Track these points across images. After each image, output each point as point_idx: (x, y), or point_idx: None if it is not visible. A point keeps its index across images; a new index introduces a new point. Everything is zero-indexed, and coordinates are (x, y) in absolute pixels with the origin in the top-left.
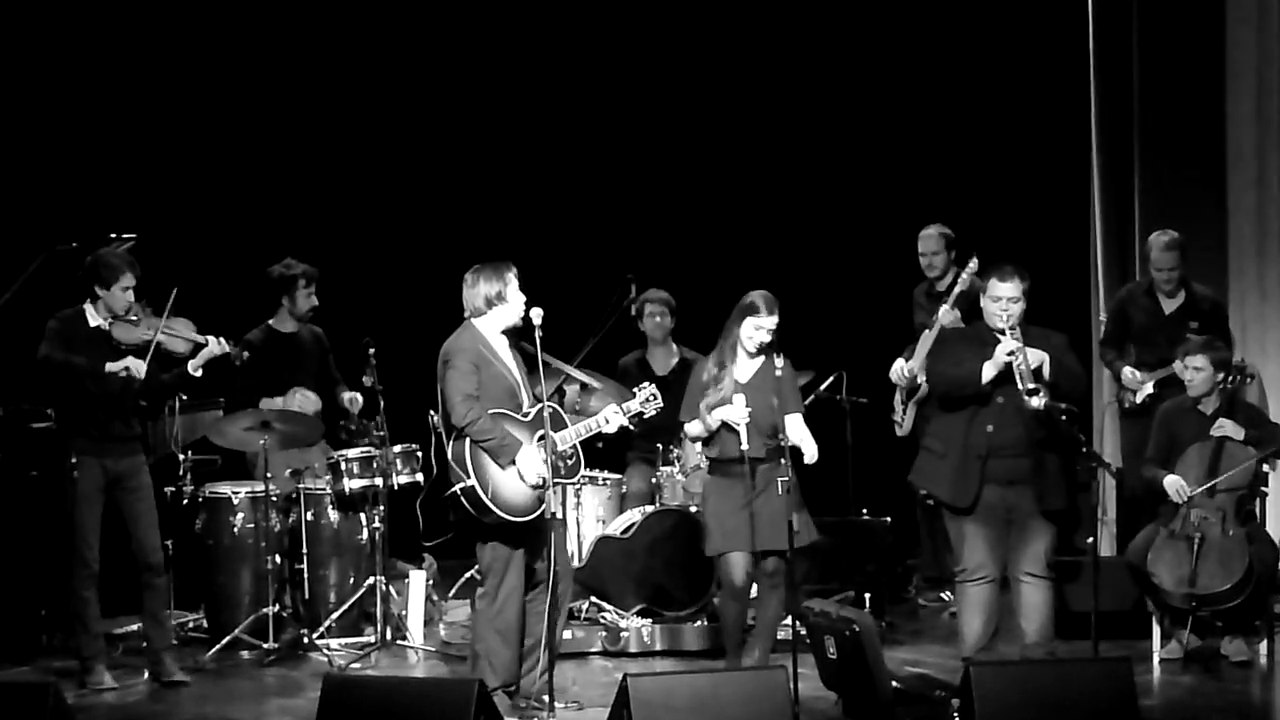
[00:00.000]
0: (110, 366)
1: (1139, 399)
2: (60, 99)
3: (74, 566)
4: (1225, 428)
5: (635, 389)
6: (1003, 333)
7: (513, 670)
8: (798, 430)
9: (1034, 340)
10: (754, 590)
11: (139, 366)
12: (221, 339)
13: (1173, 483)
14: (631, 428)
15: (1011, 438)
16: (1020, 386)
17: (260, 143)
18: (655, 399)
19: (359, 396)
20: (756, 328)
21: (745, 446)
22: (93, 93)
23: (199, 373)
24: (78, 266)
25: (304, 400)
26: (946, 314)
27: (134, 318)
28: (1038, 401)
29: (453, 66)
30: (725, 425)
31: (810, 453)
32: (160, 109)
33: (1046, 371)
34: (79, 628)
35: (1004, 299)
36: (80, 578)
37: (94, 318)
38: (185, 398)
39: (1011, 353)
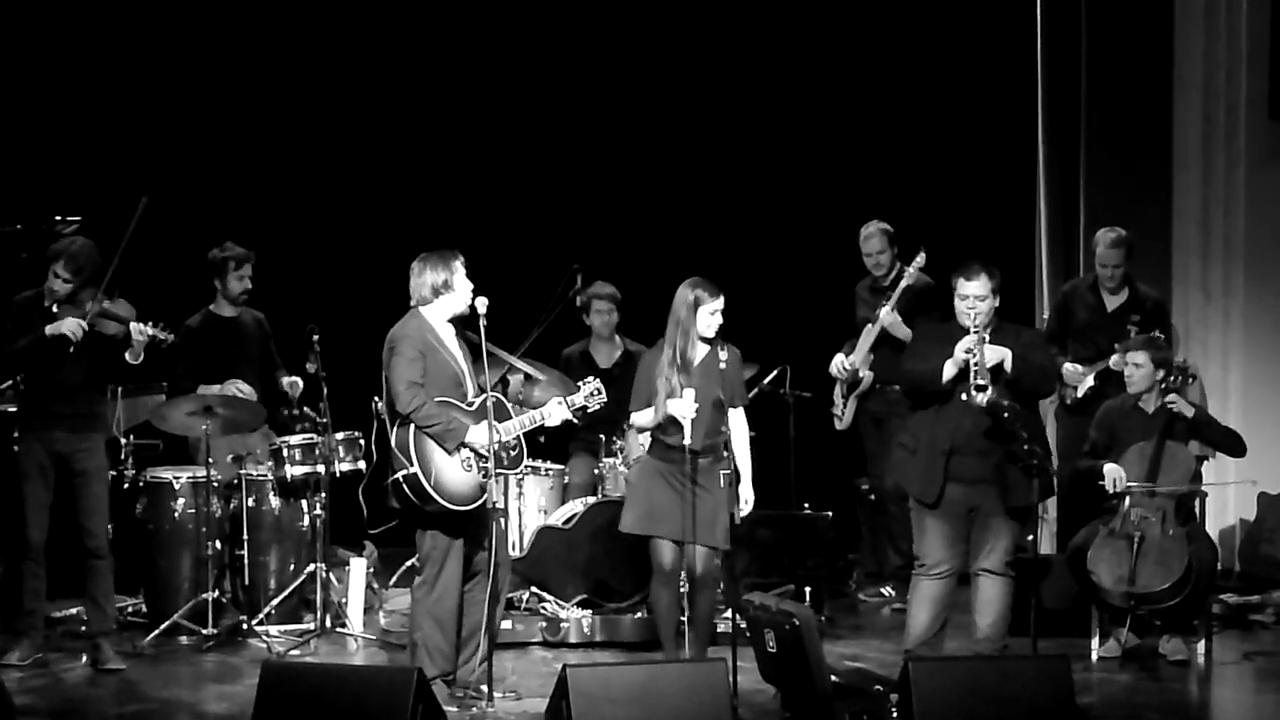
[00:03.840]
0: (48, 329)
1: (1080, 393)
2: (8, 82)
3: (13, 542)
4: (1179, 403)
5: (580, 382)
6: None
7: (450, 659)
8: (737, 427)
9: (1004, 337)
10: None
11: (75, 327)
12: (147, 325)
13: (1112, 471)
14: (575, 421)
15: (975, 436)
16: (969, 382)
17: (207, 127)
18: (599, 394)
19: (299, 381)
20: (712, 313)
21: (688, 441)
22: (40, 76)
23: (139, 360)
24: (22, 248)
25: (238, 392)
26: (887, 315)
27: (76, 302)
28: (981, 398)
29: (400, 54)
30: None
31: (744, 456)
32: (108, 92)
33: (1008, 367)
34: (13, 602)
35: (970, 297)
36: (16, 553)
37: (47, 298)
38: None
39: (969, 350)
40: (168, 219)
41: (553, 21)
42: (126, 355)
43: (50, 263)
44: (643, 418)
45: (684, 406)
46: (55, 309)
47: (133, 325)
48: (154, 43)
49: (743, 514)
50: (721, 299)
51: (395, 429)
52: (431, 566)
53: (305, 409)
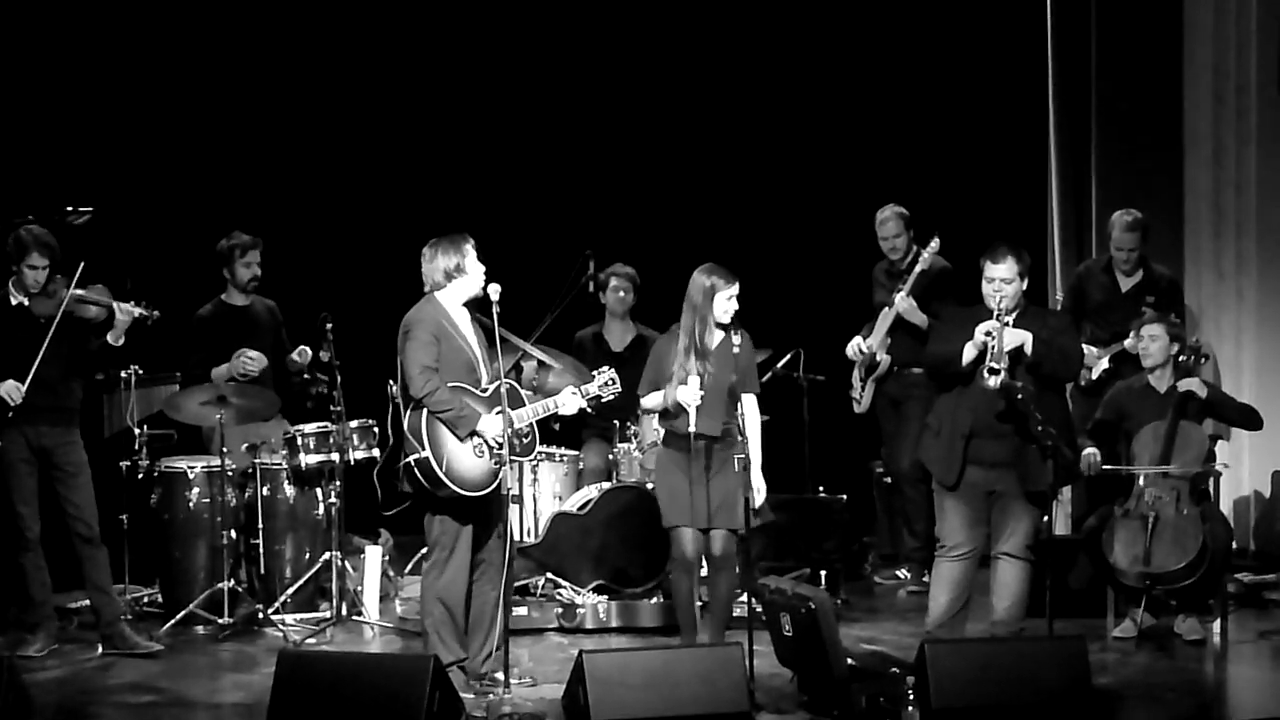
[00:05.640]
0: None
1: (1095, 375)
2: (19, 73)
3: (11, 535)
4: (1192, 384)
5: (595, 371)
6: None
7: (464, 644)
8: (749, 413)
9: (1030, 320)
10: (704, 569)
11: (13, 389)
12: (129, 304)
13: (1085, 455)
14: (589, 409)
15: (994, 419)
16: (984, 365)
17: (220, 117)
18: (614, 383)
19: (307, 349)
20: (729, 299)
21: (693, 428)
22: (51, 66)
23: (120, 342)
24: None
25: (248, 360)
26: (902, 300)
27: (50, 290)
28: (994, 381)
29: (411, 41)
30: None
31: (754, 443)
32: (121, 83)
33: (1029, 351)
34: (22, 596)
35: (996, 280)
36: (16, 546)
37: (14, 296)
38: (141, 371)
39: (989, 333)
40: (183, 208)
41: (565, 6)
42: (108, 337)
43: (18, 259)
44: (650, 400)
45: (689, 394)
46: (28, 302)
47: (117, 305)
48: (164, 33)
49: (756, 503)
50: (736, 285)
51: (408, 413)
52: (441, 551)
53: (317, 374)
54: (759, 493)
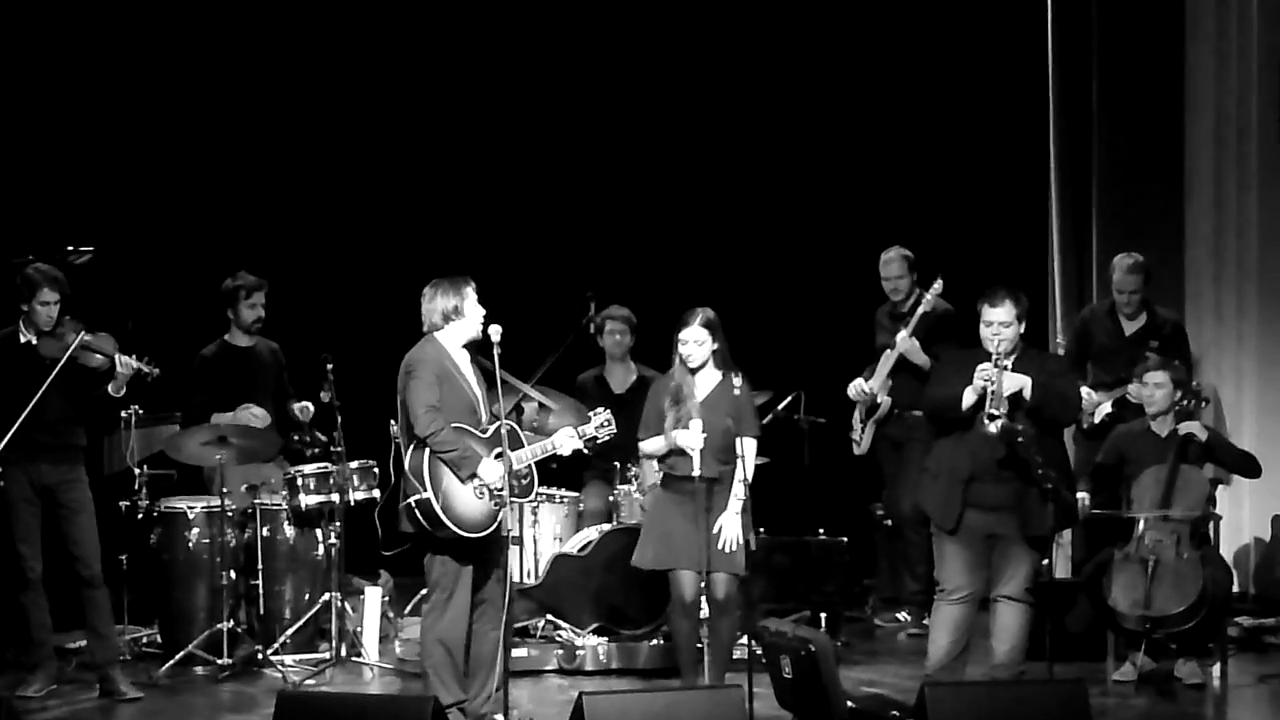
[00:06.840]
0: None
1: (1097, 419)
2: (20, 111)
3: (12, 574)
4: (1192, 428)
5: (591, 412)
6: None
7: (464, 686)
8: (745, 456)
9: (1028, 364)
10: (704, 610)
11: None
12: (131, 358)
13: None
14: (586, 450)
15: (993, 463)
16: (984, 410)
17: (221, 157)
18: (610, 424)
19: (310, 405)
20: (682, 342)
21: (697, 472)
22: (52, 105)
23: (121, 393)
24: (7, 282)
25: (251, 417)
26: (904, 340)
27: (59, 333)
28: (994, 427)
29: (413, 81)
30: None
31: (745, 480)
32: (122, 122)
33: (1028, 395)
34: (21, 636)
35: (994, 323)
36: (17, 585)
37: (24, 334)
38: (141, 411)
39: (989, 379)
40: (185, 249)
41: (564, 49)
42: (109, 388)
43: (29, 297)
44: (651, 445)
45: (692, 438)
46: (35, 340)
47: (118, 357)
48: (167, 72)
49: (729, 547)
50: (694, 329)
51: (409, 453)
52: (441, 592)
53: (317, 433)
54: (725, 538)
